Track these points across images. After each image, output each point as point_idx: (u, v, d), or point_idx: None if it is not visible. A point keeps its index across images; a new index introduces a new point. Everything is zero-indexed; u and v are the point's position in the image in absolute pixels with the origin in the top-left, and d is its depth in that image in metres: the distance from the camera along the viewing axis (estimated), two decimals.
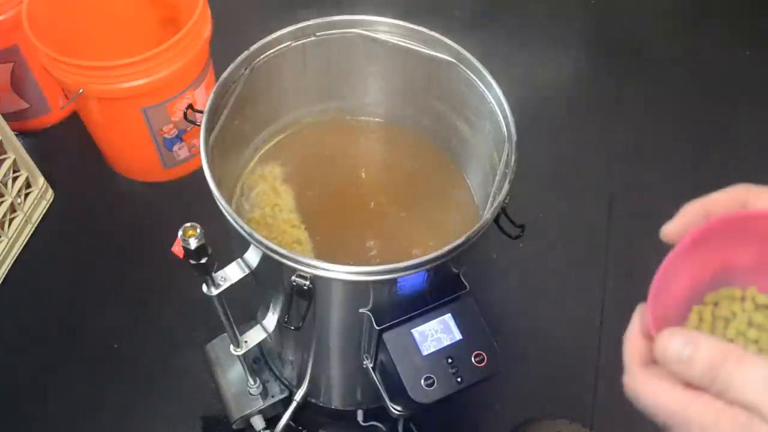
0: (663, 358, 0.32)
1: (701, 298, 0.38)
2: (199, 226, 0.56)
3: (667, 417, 0.31)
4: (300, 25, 0.74)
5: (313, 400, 0.96)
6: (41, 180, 1.23)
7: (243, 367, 0.87)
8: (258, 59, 0.73)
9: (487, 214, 0.62)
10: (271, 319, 0.75)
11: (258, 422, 0.94)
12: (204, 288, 0.64)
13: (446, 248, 0.58)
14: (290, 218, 0.79)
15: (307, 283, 0.59)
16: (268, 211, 0.79)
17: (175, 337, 1.12)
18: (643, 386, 0.33)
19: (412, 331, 0.65)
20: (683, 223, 0.37)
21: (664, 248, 0.36)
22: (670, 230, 0.37)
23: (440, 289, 0.66)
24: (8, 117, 1.14)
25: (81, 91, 1.05)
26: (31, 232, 1.22)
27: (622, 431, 1.07)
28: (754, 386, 0.28)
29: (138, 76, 1.05)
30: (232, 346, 0.77)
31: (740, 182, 0.36)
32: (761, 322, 0.35)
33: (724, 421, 0.28)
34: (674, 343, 0.31)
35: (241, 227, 0.60)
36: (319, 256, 0.75)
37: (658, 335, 0.32)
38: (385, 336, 0.65)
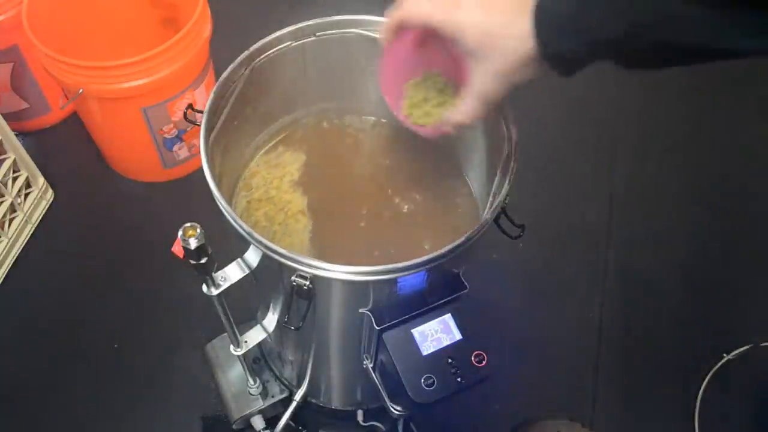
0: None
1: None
2: (199, 226, 0.56)
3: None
4: (300, 25, 0.74)
5: (313, 400, 0.96)
6: (41, 180, 1.23)
7: (243, 367, 0.87)
8: (258, 59, 0.73)
9: (487, 214, 0.62)
10: (271, 319, 0.75)
11: (258, 422, 0.94)
12: (204, 288, 0.64)
13: (446, 248, 0.58)
14: (292, 190, 0.79)
15: (307, 283, 0.59)
16: (275, 183, 0.79)
17: (175, 337, 1.12)
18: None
19: (412, 331, 0.65)
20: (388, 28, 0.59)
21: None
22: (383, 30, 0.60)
23: (440, 289, 0.66)
24: (8, 117, 1.15)
25: (81, 91, 1.05)
26: (31, 232, 1.22)
27: (622, 431, 1.07)
28: None
29: (138, 76, 1.05)
30: (232, 346, 0.77)
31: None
32: (443, 99, 0.66)
33: None
34: None
35: (240, 227, 0.60)
36: (318, 255, 0.75)
37: None
38: (385, 336, 0.65)
